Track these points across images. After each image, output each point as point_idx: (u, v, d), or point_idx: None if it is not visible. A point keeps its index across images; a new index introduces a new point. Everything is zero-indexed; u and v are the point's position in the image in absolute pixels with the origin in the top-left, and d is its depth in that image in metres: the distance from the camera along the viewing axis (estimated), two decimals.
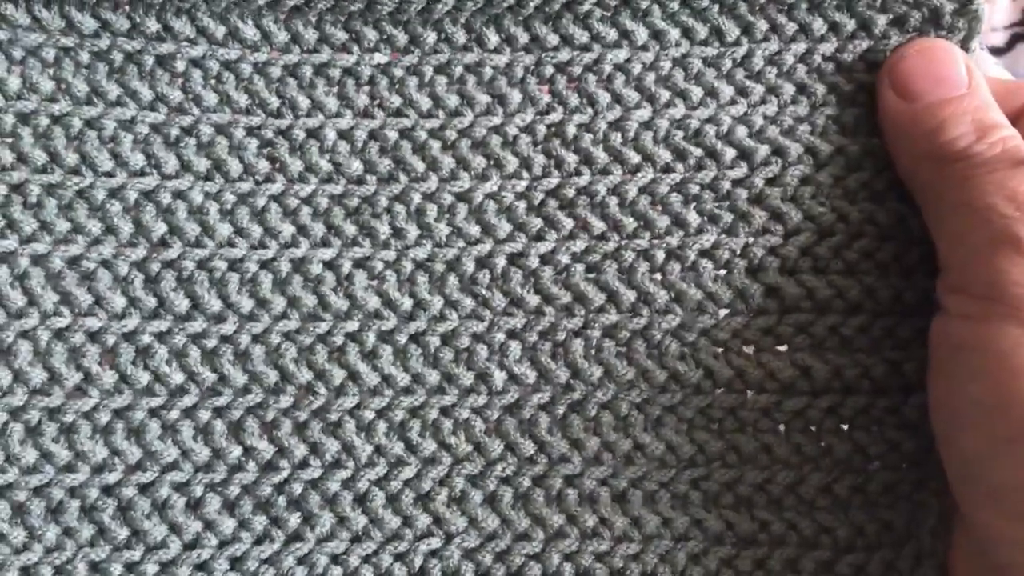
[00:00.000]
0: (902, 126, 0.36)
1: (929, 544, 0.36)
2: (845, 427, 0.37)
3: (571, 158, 0.38)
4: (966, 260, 0.34)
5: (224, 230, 0.37)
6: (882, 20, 0.38)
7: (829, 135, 0.38)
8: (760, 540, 0.36)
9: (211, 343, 0.36)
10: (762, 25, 0.39)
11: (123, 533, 0.35)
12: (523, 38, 0.39)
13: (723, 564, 0.36)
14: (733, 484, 0.36)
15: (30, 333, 0.36)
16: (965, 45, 0.37)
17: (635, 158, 0.38)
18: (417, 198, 0.38)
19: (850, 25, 0.38)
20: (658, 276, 0.37)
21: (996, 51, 0.38)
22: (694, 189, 0.38)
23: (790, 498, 0.36)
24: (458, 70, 0.39)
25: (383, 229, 0.37)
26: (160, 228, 0.37)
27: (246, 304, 0.37)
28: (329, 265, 0.37)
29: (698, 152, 0.38)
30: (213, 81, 0.38)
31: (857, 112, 0.38)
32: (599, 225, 0.38)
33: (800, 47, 0.39)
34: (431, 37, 0.39)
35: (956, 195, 0.34)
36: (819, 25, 0.38)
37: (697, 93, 0.38)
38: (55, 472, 0.36)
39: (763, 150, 0.38)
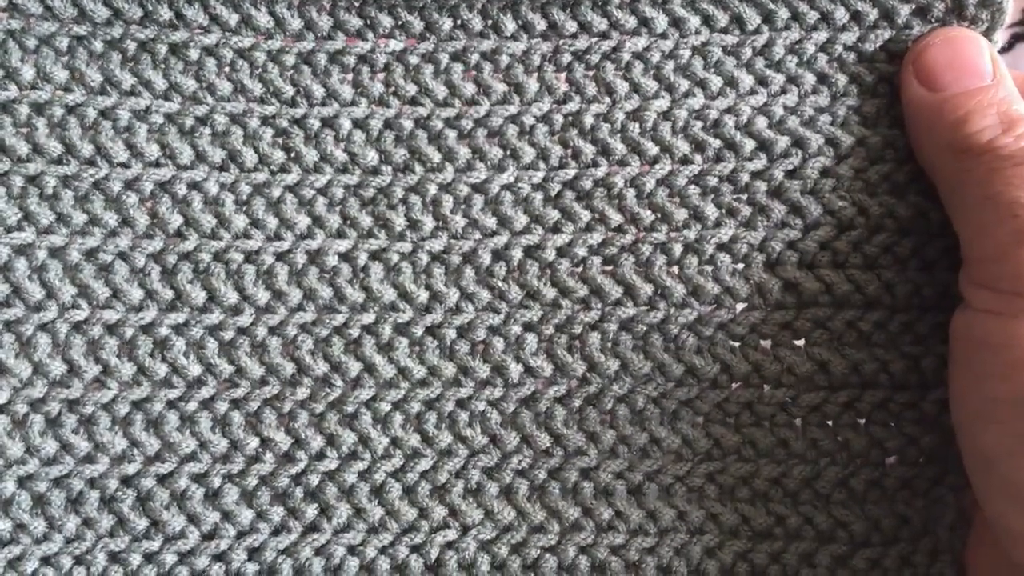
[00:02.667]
0: (926, 116, 0.36)
1: (946, 539, 0.36)
2: (862, 421, 0.37)
3: (588, 149, 0.38)
4: (990, 255, 0.34)
5: (240, 221, 0.37)
6: (905, 10, 0.38)
7: (850, 126, 0.37)
8: (776, 534, 0.36)
9: (228, 335, 0.37)
10: (783, 13, 0.38)
11: (142, 523, 0.36)
12: (540, 25, 0.38)
13: (739, 557, 0.36)
14: (749, 478, 0.36)
15: (49, 326, 0.36)
16: (987, 37, 0.37)
17: (653, 149, 0.38)
18: (433, 189, 0.37)
19: (872, 14, 0.38)
20: (675, 270, 0.37)
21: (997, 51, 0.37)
22: (712, 181, 0.37)
23: (806, 492, 0.36)
24: (474, 57, 0.38)
25: (399, 220, 0.37)
26: (176, 220, 0.37)
27: (262, 296, 0.37)
28: (345, 257, 0.37)
29: (717, 143, 0.37)
30: (227, 69, 0.38)
31: (878, 103, 0.37)
32: (616, 217, 0.37)
33: (821, 36, 0.38)
34: (447, 24, 0.38)
35: (980, 189, 0.34)
36: (841, 14, 0.38)
37: (717, 82, 0.38)
38: (75, 463, 0.36)
39: (783, 141, 0.37)
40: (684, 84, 0.38)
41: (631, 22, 0.38)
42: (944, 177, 0.35)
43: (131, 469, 0.36)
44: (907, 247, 0.37)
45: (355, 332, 0.37)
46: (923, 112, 0.36)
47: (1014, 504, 0.32)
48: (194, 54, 0.37)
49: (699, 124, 0.38)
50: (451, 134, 0.38)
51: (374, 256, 0.37)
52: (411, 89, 0.38)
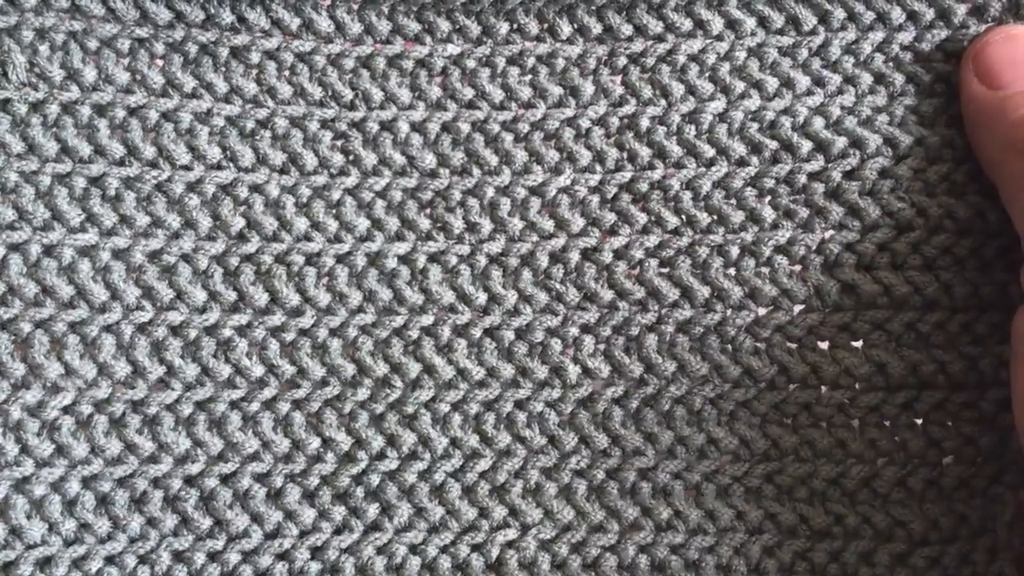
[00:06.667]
0: (987, 114, 0.36)
1: (1005, 537, 0.36)
2: (919, 422, 0.37)
3: (644, 152, 0.38)
4: None
5: (300, 224, 0.37)
6: (961, 9, 0.38)
7: (908, 126, 0.37)
8: (835, 533, 0.36)
9: (290, 336, 0.37)
10: (839, 14, 0.38)
11: (206, 523, 0.36)
12: (596, 28, 0.38)
13: (798, 557, 0.36)
14: (807, 478, 0.37)
15: (113, 327, 0.36)
16: None
17: (709, 151, 0.38)
18: (490, 192, 0.38)
19: (929, 14, 0.38)
20: (732, 272, 0.37)
21: None
22: (769, 183, 0.37)
23: (864, 492, 0.36)
24: (531, 61, 0.38)
25: (457, 223, 0.38)
26: (238, 222, 0.37)
27: (323, 298, 0.37)
28: (404, 259, 0.37)
29: (773, 145, 0.38)
30: (287, 73, 0.38)
31: (936, 102, 0.38)
32: (673, 220, 0.37)
33: (878, 36, 0.38)
34: (504, 28, 0.38)
35: None
36: (897, 14, 0.38)
37: (773, 84, 0.38)
38: (139, 463, 0.36)
39: (840, 142, 0.37)
40: (740, 86, 0.38)
41: (686, 25, 0.38)
42: (1004, 175, 0.35)
43: (195, 469, 0.36)
44: (966, 247, 0.37)
45: (414, 334, 0.37)
46: (983, 110, 0.36)
47: None
48: (255, 57, 0.38)
49: (755, 126, 0.38)
50: (508, 137, 0.38)
51: (433, 258, 0.37)
52: (468, 93, 0.38)
